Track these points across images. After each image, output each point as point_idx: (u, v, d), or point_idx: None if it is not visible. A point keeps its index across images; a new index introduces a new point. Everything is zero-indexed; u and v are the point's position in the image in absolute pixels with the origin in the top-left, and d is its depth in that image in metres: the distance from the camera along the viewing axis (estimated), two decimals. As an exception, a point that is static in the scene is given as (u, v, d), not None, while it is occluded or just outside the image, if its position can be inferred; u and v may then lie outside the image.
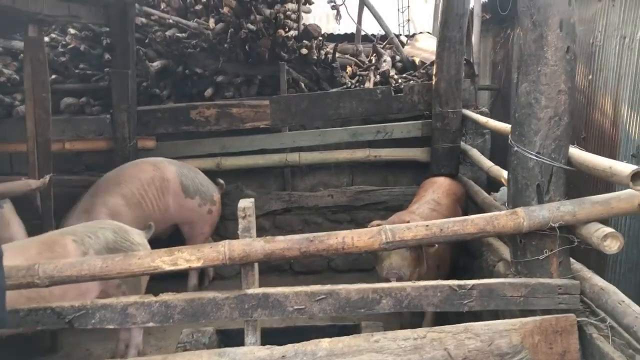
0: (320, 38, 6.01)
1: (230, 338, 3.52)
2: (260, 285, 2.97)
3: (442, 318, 3.45)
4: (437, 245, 3.43)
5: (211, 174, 5.43)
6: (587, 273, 2.96)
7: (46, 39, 5.73)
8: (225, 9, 5.47)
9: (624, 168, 2.46)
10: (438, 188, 4.54)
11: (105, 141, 5.34)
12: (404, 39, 7.53)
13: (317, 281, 4.10)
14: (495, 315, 3.16)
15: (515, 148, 2.92)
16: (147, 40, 5.75)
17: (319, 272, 5.74)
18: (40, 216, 4.19)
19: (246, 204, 2.86)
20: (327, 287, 2.85)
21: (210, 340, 3.90)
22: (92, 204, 4.46)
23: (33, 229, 3.96)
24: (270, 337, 3.12)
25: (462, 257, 4.59)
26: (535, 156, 2.83)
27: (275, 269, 5.63)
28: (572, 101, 2.84)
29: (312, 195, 5.72)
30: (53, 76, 5.56)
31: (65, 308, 2.78)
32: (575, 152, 2.89)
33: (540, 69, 2.79)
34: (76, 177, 5.34)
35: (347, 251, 2.79)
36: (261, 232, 5.46)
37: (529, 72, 2.84)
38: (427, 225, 2.82)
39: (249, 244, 2.77)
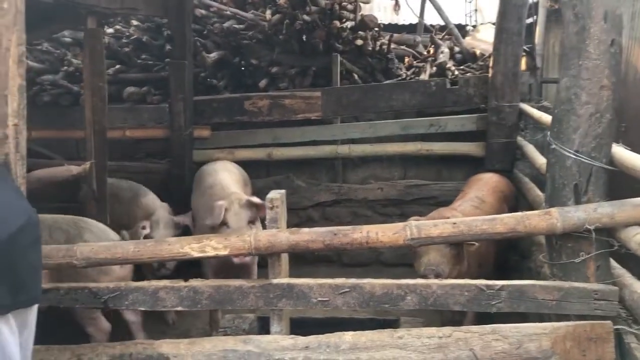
0: (377, 29, 5.94)
1: (272, 325, 3.57)
2: (307, 276, 2.99)
3: (487, 319, 3.32)
4: (476, 243, 3.34)
5: (263, 164, 5.52)
6: (629, 279, 2.79)
7: (111, 30, 6.01)
8: (282, 0, 5.52)
9: (663, 170, 2.31)
10: (484, 185, 4.39)
11: (163, 129, 5.51)
12: (470, 29, 7.33)
13: (364, 274, 4.11)
14: (541, 317, 3.03)
15: (553, 145, 2.78)
16: (205, 32, 5.88)
17: (368, 264, 5.68)
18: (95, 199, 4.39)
19: (274, 195, 2.90)
20: (351, 281, 2.84)
21: (250, 326, 3.98)
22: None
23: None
24: (309, 327, 3.14)
25: (512, 256, 4.44)
26: (574, 154, 2.69)
27: (324, 260, 5.64)
28: (617, 97, 2.68)
29: (361, 188, 5.68)
30: (117, 66, 5.81)
31: (101, 289, 2.92)
32: (618, 151, 2.73)
33: (582, 62, 2.64)
34: (135, 164, 5.59)
35: (371, 246, 2.77)
36: (310, 223, 5.54)
37: (569, 66, 2.69)
38: (454, 223, 2.75)
39: (274, 235, 2.81)
